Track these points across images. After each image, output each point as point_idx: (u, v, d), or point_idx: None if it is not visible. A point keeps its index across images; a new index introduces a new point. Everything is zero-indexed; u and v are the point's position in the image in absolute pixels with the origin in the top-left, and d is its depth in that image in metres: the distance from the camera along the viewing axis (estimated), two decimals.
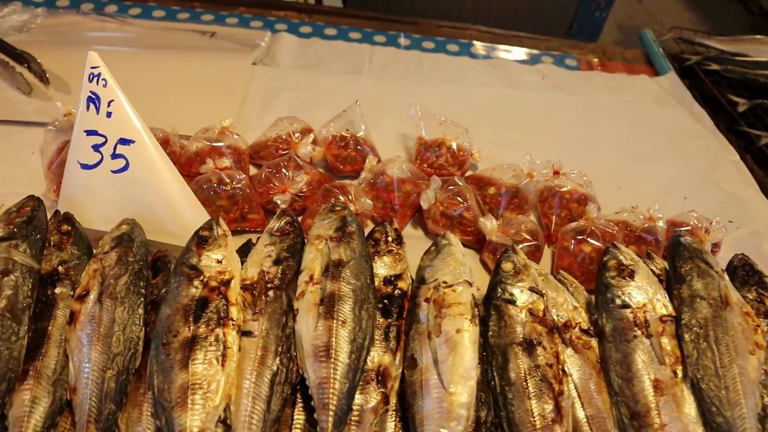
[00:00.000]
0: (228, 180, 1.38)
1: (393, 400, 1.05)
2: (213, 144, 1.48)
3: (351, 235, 1.17)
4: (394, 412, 1.06)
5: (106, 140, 1.25)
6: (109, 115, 1.25)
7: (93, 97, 1.25)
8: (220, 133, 1.49)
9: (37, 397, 1.01)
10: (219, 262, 1.12)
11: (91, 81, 1.25)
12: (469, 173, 1.63)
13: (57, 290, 1.14)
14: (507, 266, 1.19)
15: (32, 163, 1.54)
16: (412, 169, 1.50)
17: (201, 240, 1.15)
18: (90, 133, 1.26)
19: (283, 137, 1.53)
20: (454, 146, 1.59)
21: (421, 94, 1.91)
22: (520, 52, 2.21)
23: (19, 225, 1.16)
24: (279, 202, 1.39)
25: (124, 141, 1.25)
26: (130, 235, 1.19)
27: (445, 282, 1.13)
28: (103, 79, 1.25)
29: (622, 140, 1.87)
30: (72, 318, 1.08)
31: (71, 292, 1.14)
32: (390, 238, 1.23)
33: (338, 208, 1.23)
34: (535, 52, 2.21)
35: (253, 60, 1.96)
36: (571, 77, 2.08)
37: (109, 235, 1.19)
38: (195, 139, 1.50)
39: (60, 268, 1.17)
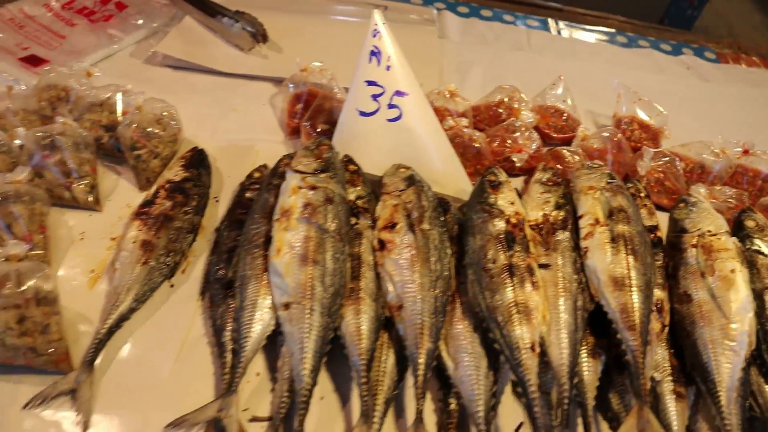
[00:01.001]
0: (468, 137, 1.52)
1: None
2: (446, 106, 1.61)
3: (621, 187, 1.32)
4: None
5: (384, 91, 1.38)
6: (388, 68, 1.37)
7: (375, 51, 1.37)
8: (451, 96, 1.62)
9: (364, 313, 1.14)
10: (512, 203, 1.26)
11: (374, 36, 1.37)
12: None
13: (360, 220, 1.27)
14: (750, 223, 1.35)
15: (265, 113, 1.67)
16: (619, 141, 1.65)
17: (493, 184, 1.28)
18: (370, 83, 1.38)
19: (506, 103, 1.66)
20: (648, 121, 1.74)
21: (586, 76, 2.05)
22: (660, 44, 2.36)
23: (328, 160, 1.29)
24: (516, 159, 1.52)
25: (399, 93, 1.38)
26: (416, 177, 1.32)
27: (709, 231, 1.28)
28: (384, 36, 1.37)
29: None
30: (382, 245, 1.21)
31: (370, 223, 1.27)
32: (642, 194, 1.39)
33: (599, 165, 1.38)
34: (673, 43, 2.37)
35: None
36: (714, 69, 2.24)
37: (395, 176, 1.33)
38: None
39: (358, 202, 1.30)
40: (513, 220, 1.22)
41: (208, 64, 1.75)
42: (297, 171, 1.25)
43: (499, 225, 1.21)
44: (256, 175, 1.42)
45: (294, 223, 1.17)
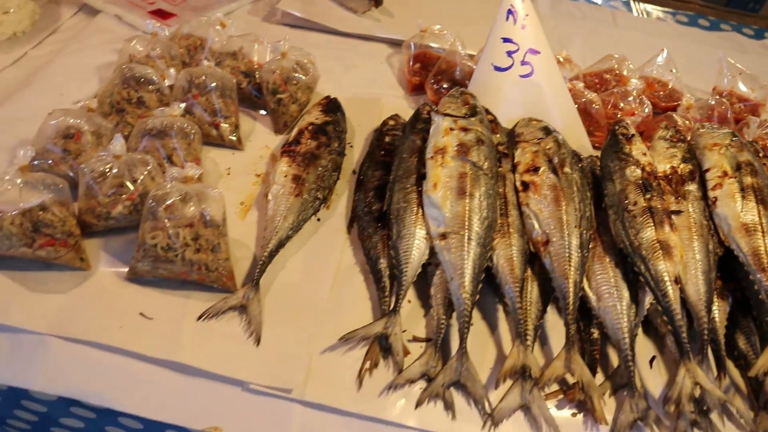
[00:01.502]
0: (587, 99, 1.59)
1: None
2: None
3: (745, 144, 1.39)
4: None
5: (518, 48, 1.46)
6: (523, 27, 1.45)
7: (512, 10, 1.45)
8: (565, 62, 1.70)
9: (514, 246, 1.22)
10: (644, 154, 1.33)
11: None
12: None
13: (501, 164, 1.35)
14: None
15: (384, 70, 1.76)
16: (723, 111, 1.72)
17: (626, 136, 1.36)
18: (506, 40, 1.46)
19: (615, 70, 1.74)
20: (747, 95, 1.81)
21: (679, 53, 2.10)
22: (742, 28, 2.42)
23: (474, 106, 1.37)
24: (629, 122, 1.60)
25: (532, 51, 1.46)
26: (551, 127, 1.40)
27: None
28: None
29: None
30: (526, 186, 1.29)
31: (510, 167, 1.35)
32: (761, 155, 1.46)
33: (719, 126, 1.45)
34: (755, 27, 2.44)
35: None
36: None
37: (530, 127, 1.41)
38: None
39: (499, 147, 1.37)
40: (648, 169, 1.29)
41: (327, 23, 1.83)
42: (447, 114, 1.33)
43: (636, 171, 1.28)
44: (391, 122, 1.49)
45: (449, 160, 1.25)
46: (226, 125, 1.43)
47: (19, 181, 1.13)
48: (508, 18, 1.45)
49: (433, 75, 1.63)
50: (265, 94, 1.49)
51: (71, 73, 1.62)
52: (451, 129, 1.30)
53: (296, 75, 1.49)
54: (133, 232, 1.23)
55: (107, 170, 1.18)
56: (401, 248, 1.20)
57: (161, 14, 1.79)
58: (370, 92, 1.66)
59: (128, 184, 1.19)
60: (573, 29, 2.17)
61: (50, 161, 1.27)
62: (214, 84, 1.42)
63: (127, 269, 1.17)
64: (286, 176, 1.31)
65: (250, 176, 1.40)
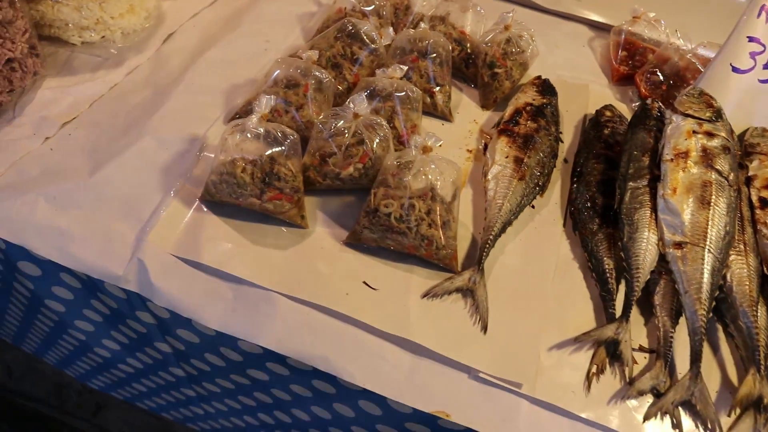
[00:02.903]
0: None
1: None
2: None
3: None
4: None
5: (765, 50, 1.34)
6: None
7: (766, 6, 1.33)
8: None
9: (750, 264, 1.15)
10: None
11: None
12: None
13: None
14: None
15: (586, 54, 1.68)
16: None
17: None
18: (751, 39, 1.35)
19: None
20: None
21: None
22: None
23: (719, 110, 1.28)
24: None
25: None
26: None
27: None
28: None
29: None
30: (765, 204, 1.21)
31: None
32: None
33: None
34: None
35: None
36: None
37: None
38: None
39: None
40: None
41: None
42: (689, 115, 1.24)
43: None
44: (608, 113, 1.41)
45: (691, 165, 1.17)
46: (441, 94, 1.37)
47: (260, 129, 1.10)
48: (759, 15, 1.33)
49: (646, 67, 1.53)
50: (480, 66, 1.43)
51: (273, 19, 1.60)
52: (695, 132, 1.21)
53: (516, 50, 1.41)
54: (349, 195, 1.20)
55: (345, 129, 1.14)
56: (633, 252, 1.14)
57: None
58: (574, 76, 1.58)
59: (363, 146, 1.14)
60: None
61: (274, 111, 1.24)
62: (434, 50, 1.36)
63: (343, 232, 1.14)
64: (507, 157, 1.26)
65: (462, 151, 1.35)
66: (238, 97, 1.36)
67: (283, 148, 1.10)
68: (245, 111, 1.27)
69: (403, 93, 1.26)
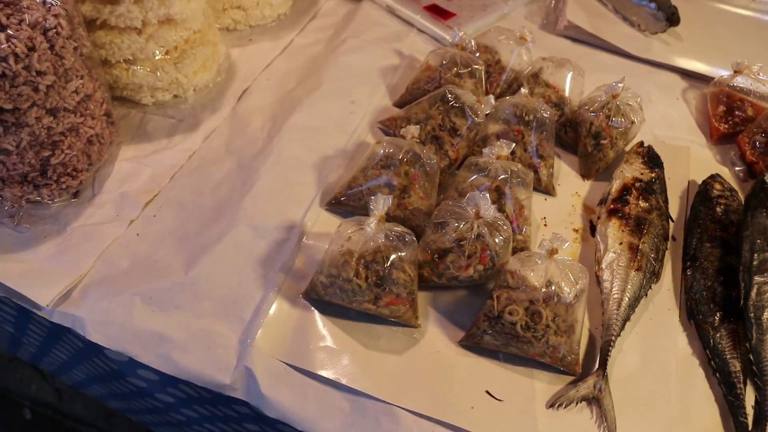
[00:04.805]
0: None
1: None
2: None
3: None
4: None
5: None
6: None
7: None
8: None
9: None
10: None
11: None
12: None
13: None
14: None
15: (680, 109, 1.61)
16: None
17: None
18: None
19: None
20: None
21: None
22: None
23: None
24: None
25: None
26: None
27: None
28: None
29: None
30: None
31: None
32: None
33: None
34: None
35: None
36: None
37: None
38: None
39: None
40: None
41: (617, 42, 1.66)
42: None
43: None
44: (718, 187, 1.34)
45: None
46: (545, 168, 1.31)
47: (380, 234, 1.04)
48: None
49: (751, 127, 1.45)
50: (583, 136, 1.36)
51: (353, 75, 1.52)
52: None
53: (622, 120, 1.34)
54: (461, 289, 1.15)
55: (467, 231, 1.08)
56: (764, 356, 1.09)
57: (438, 11, 1.65)
58: (672, 136, 1.50)
59: (482, 243, 1.09)
60: None
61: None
62: (540, 122, 1.29)
63: (456, 331, 1.10)
64: (620, 243, 1.20)
65: (569, 230, 1.29)
66: (331, 173, 1.30)
67: (404, 253, 1.04)
68: (344, 195, 1.21)
69: (515, 174, 1.20)
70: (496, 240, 1.09)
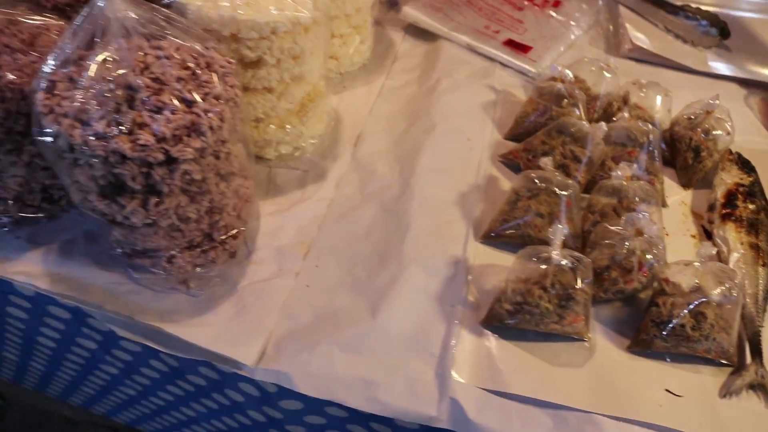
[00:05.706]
0: None
1: None
2: None
3: None
4: None
5: None
6: None
7: None
8: None
9: None
10: None
11: None
12: None
13: None
14: None
15: (747, 115, 1.77)
16: None
17: None
18: None
19: None
20: None
21: None
22: None
23: None
24: None
25: None
26: None
27: None
28: None
29: None
30: None
31: None
32: None
33: None
34: None
35: None
36: None
37: None
38: None
39: None
40: None
41: (678, 59, 1.82)
42: None
43: None
44: None
45: None
46: (658, 184, 1.45)
47: (561, 260, 1.16)
48: None
49: None
50: (683, 150, 1.50)
51: (460, 113, 1.63)
52: None
53: (717, 133, 1.49)
54: (615, 301, 1.27)
55: (629, 248, 1.21)
56: None
57: (516, 46, 1.77)
58: (748, 140, 1.66)
59: (640, 257, 1.21)
60: None
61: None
62: (649, 141, 1.43)
63: (620, 338, 1.23)
64: (742, 243, 1.35)
65: (687, 237, 1.43)
66: (474, 208, 1.40)
67: (588, 279, 1.16)
68: (499, 228, 1.32)
69: (643, 195, 1.34)
70: (654, 251, 1.22)
